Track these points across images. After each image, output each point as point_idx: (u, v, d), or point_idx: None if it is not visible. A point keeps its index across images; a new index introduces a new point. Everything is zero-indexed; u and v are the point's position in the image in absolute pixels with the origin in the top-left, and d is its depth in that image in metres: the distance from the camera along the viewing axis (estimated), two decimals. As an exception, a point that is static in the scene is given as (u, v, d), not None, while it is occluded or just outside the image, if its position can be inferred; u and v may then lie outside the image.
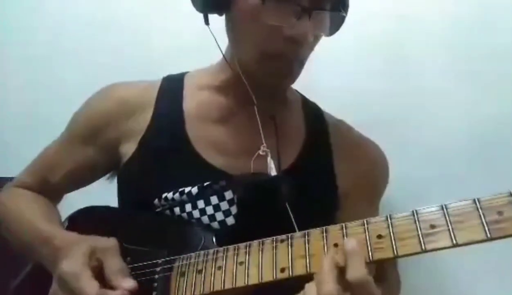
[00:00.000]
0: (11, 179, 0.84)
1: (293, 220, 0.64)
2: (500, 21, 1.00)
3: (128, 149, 0.75)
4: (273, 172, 0.69)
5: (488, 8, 1.01)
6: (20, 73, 1.31)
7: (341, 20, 0.71)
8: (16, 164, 0.84)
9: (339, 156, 0.78)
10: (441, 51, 1.03)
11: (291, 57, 0.67)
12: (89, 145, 0.78)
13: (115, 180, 0.79)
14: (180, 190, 0.67)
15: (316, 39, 0.69)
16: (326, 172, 0.77)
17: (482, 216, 0.46)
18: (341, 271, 0.48)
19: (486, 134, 0.98)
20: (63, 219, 0.78)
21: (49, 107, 1.24)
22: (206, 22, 0.71)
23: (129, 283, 0.59)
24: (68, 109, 0.82)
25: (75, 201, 0.80)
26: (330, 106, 0.85)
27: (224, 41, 0.74)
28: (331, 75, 1.06)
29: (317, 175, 0.75)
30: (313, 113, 0.82)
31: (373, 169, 0.81)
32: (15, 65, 1.32)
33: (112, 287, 0.58)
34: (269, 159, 0.70)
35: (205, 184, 0.67)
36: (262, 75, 0.69)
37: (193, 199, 0.67)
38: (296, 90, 0.85)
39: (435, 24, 1.04)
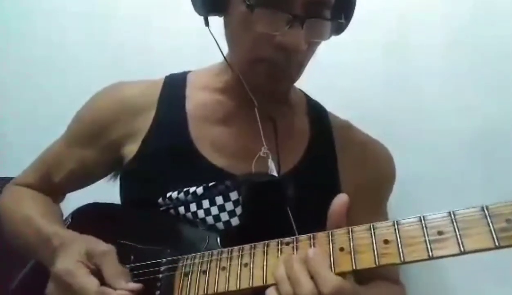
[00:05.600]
0: (11, 179, 0.84)
1: (293, 223, 0.64)
2: (501, 21, 0.99)
3: (131, 148, 0.74)
4: (274, 174, 0.68)
5: (488, 8, 1.00)
6: (20, 73, 1.31)
7: (343, 26, 0.69)
8: (16, 164, 0.84)
9: (343, 157, 0.77)
10: (441, 51, 1.02)
11: (281, 63, 0.65)
12: (91, 146, 0.78)
13: (117, 179, 0.79)
14: (185, 189, 0.67)
15: (315, 44, 0.68)
16: (330, 174, 0.76)
17: (490, 223, 0.46)
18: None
19: (486, 134, 0.98)
20: (65, 216, 0.78)
21: (49, 107, 1.24)
22: (206, 24, 0.71)
23: (133, 285, 0.59)
24: (68, 109, 0.82)
25: (77, 198, 0.80)
26: (329, 106, 0.84)
27: (225, 42, 0.73)
28: (331, 75, 1.05)
29: (320, 178, 0.74)
30: (317, 114, 0.81)
31: (378, 171, 0.79)
32: (15, 65, 1.31)
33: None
34: (269, 160, 0.70)
35: (210, 184, 0.66)
36: (256, 77, 0.68)
37: (198, 199, 0.67)
38: (301, 90, 0.84)
39: (435, 24, 1.03)
